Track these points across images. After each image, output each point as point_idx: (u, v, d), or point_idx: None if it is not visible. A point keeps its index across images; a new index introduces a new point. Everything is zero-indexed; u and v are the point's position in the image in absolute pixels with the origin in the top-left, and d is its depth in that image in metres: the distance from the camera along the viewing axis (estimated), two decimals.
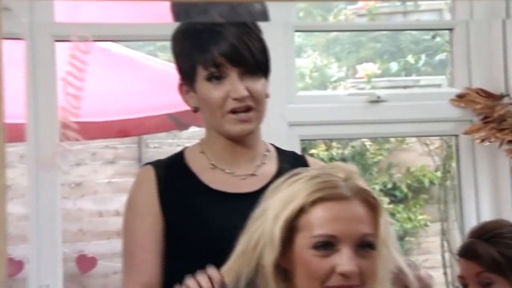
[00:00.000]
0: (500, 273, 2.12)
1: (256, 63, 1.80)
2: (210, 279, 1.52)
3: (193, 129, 4.77)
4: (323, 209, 1.43)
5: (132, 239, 1.81)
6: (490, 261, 2.12)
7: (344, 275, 1.40)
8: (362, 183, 1.48)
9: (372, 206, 1.46)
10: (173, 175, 1.84)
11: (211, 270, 1.53)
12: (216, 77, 1.79)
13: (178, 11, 1.97)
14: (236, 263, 1.48)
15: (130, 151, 5.37)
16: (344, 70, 6.11)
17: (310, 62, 6.18)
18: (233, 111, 1.79)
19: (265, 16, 1.97)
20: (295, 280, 1.45)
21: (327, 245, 1.42)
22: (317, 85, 5.99)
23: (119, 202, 5.05)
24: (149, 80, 4.21)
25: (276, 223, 1.44)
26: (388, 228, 1.49)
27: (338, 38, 6.18)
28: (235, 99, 1.78)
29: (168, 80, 4.03)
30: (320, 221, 1.42)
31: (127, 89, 3.95)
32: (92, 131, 3.86)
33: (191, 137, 4.73)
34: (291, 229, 1.44)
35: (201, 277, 1.53)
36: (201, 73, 1.80)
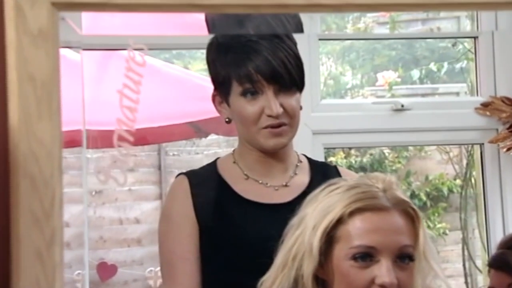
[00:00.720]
0: None
1: (291, 79, 1.80)
2: None
3: (211, 137, 4.75)
4: (362, 220, 1.43)
5: (169, 249, 1.80)
6: None
7: (383, 286, 1.39)
8: (401, 193, 1.48)
9: (411, 217, 1.46)
10: (206, 184, 1.84)
11: None
12: (251, 93, 1.79)
13: (213, 22, 1.95)
14: (277, 273, 1.47)
15: (150, 158, 5.37)
16: (359, 77, 6.09)
17: (324, 69, 6.16)
18: (267, 127, 1.79)
19: (299, 27, 1.95)
20: None
21: (366, 256, 1.42)
22: (332, 93, 5.97)
23: (139, 210, 5.05)
24: (169, 87, 4.20)
25: (315, 234, 1.43)
26: (427, 239, 1.48)
27: (353, 45, 6.17)
28: (270, 116, 1.77)
29: (188, 87, 4.04)
30: (359, 232, 1.42)
31: (148, 96, 3.93)
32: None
33: (209, 144, 4.72)
34: (329, 240, 1.44)
35: None
36: (236, 88, 1.80)
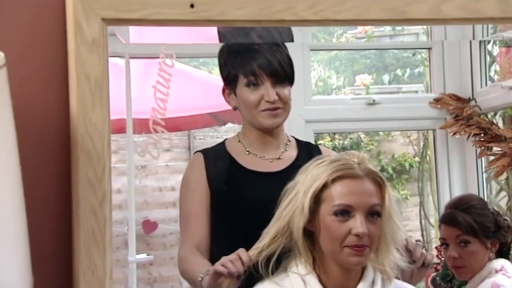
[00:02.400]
0: (474, 235, 2.10)
1: (285, 74, 1.79)
2: (240, 260, 1.45)
3: (228, 125, 4.74)
4: (342, 185, 1.42)
5: (187, 208, 1.79)
6: (468, 226, 2.11)
7: (357, 235, 1.39)
8: (371, 166, 1.46)
9: (379, 184, 1.44)
10: (217, 159, 1.83)
11: (241, 252, 1.46)
12: (253, 84, 1.78)
13: (224, 33, 1.94)
14: (275, 225, 1.46)
15: (182, 141, 5.35)
16: (342, 80, 6.06)
17: (315, 74, 6.13)
18: (266, 110, 1.78)
19: (291, 37, 1.94)
20: (319, 240, 1.44)
21: (344, 212, 1.40)
22: (322, 92, 5.94)
23: (174, 180, 5.05)
24: (196, 87, 4.19)
25: (306, 196, 1.42)
26: (392, 201, 1.46)
27: (337, 55, 6.13)
28: (268, 101, 1.77)
29: (211, 87, 4.03)
30: (339, 194, 1.41)
31: (180, 93, 3.92)
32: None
33: (227, 131, 4.70)
34: (317, 200, 1.43)
35: (230, 262, 1.46)
36: (242, 80, 1.79)
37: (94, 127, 1.12)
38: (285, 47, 1.83)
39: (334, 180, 1.41)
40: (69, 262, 1.16)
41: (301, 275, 1.44)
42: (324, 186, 1.42)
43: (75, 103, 1.11)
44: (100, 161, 1.12)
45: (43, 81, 1.14)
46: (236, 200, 1.77)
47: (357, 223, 1.39)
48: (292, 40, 1.98)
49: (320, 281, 1.43)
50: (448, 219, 2.17)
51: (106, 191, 1.13)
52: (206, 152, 1.84)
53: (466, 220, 2.11)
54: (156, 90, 1.37)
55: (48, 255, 1.16)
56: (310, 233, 1.45)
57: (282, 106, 1.79)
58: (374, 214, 1.41)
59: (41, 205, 1.14)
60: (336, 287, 1.44)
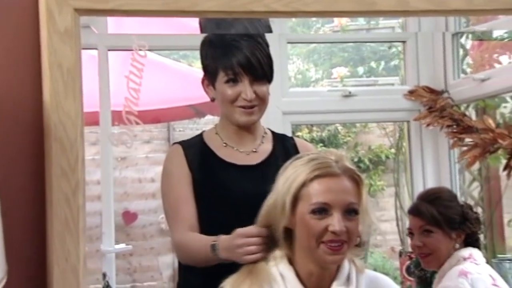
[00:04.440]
0: (437, 226, 2.13)
1: (263, 72, 1.79)
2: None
3: (208, 117, 4.74)
4: (319, 183, 1.42)
5: (174, 196, 1.78)
6: (430, 217, 2.15)
7: (334, 233, 1.40)
8: (349, 164, 1.46)
9: (357, 181, 1.45)
10: (196, 151, 1.83)
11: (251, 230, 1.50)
12: (232, 80, 1.78)
13: (205, 24, 1.93)
14: (264, 220, 1.48)
15: (162, 133, 5.34)
16: (320, 73, 6.08)
17: (294, 67, 6.14)
18: (242, 107, 1.78)
19: (270, 29, 1.94)
20: (297, 237, 1.45)
21: (322, 210, 1.41)
22: (300, 84, 5.95)
23: (154, 171, 5.04)
24: (176, 79, 4.17)
25: (287, 196, 1.43)
26: (368, 198, 1.47)
27: (315, 49, 6.15)
28: (245, 99, 1.77)
29: (190, 79, 4.02)
30: (317, 193, 1.41)
31: (160, 86, 3.91)
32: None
33: (207, 123, 4.70)
34: (295, 198, 1.43)
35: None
36: (222, 76, 1.79)
37: (67, 116, 1.11)
38: (267, 45, 1.83)
39: (312, 179, 1.42)
40: (43, 250, 1.16)
41: (279, 270, 1.45)
42: (303, 185, 1.42)
43: (48, 92, 1.10)
44: (73, 150, 1.11)
45: (16, 70, 1.13)
46: (216, 190, 1.77)
47: (335, 221, 1.39)
48: (270, 31, 1.98)
49: (298, 276, 1.44)
50: (414, 210, 2.22)
51: (80, 180, 1.13)
52: (184, 144, 1.85)
53: (429, 211, 2.15)
54: (129, 80, 1.37)
55: (22, 244, 1.15)
56: (288, 230, 1.46)
57: (258, 104, 1.79)
58: (351, 211, 1.42)
59: (14, 194, 1.14)
60: (313, 284, 1.45)
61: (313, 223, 1.40)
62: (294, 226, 1.44)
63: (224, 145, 1.84)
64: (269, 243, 1.48)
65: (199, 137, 1.87)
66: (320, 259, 1.41)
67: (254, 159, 1.82)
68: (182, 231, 1.72)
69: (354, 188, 1.43)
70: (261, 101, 1.79)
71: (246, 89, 1.76)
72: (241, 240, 1.48)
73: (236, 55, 1.76)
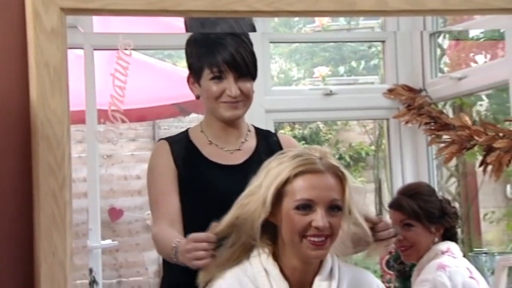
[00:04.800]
0: (417, 219, 2.15)
1: (247, 70, 1.79)
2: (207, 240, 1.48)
3: (192, 115, 4.73)
4: (303, 180, 1.41)
5: (157, 191, 1.77)
6: (411, 211, 2.16)
7: (317, 228, 1.39)
8: (333, 160, 1.45)
9: (340, 178, 1.43)
10: (181, 148, 1.82)
11: (209, 233, 1.49)
12: (217, 77, 1.78)
13: (190, 24, 1.92)
14: (236, 211, 1.46)
15: (147, 131, 5.33)
16: (302, 72, 6.10)
17: (277, 66, 6.15)
18: (226, 102, 1.78)
19: (254, 28, 1.94)
20: (282, 232, 1.44)
21: (306, 206, 1.40)
22: (283, 83, 5.96)
23: (139, 169, 5.03)
24: (161, 78, 4.17)
25: (269, 190, 1.42)
26: (352, 194, 1.46)
27: (297, 48, 6.16)
28: (229, 96, 1.77)
29: (175, 78, 4.02)
30: (301, 189, 1.41)
31: (145, 85, 3.90)
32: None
33: (191, 121, 4.69)
34: (279, 194, 1.42)
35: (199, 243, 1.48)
36: (207, 73, 1.78)
37: (54, 114, 1.11)
38: (251, 43, 1.83)
39: (296, 175, 1.41)
40: (30, 245, 1.15)
41: (263, 265, 1.45)
42: (287, 181, 1.41)
43: (34, 91, 1.10)
44: (60, 147, 1.11)
45: (3, 69, 1.13)
46: (200, 188, 1.77)
47: (318, 217, 1.39)
48: (254, 30, 1.98)
49: (282, 271, 1.44)
50: (394, 204, 2.23)
51: (66, 176, 1.12)
52: (170, 140, 1.84)
53: (410, 205, 2.17)
54: (114, 77, 1.37)
55: (10, 239, 1.15)
56: (273, 226, 1.45)
57: (243, 99, 1.79)
58: (334, 208, 1.41)
59: (2, 190, 1.13)
60: (296, 279, 1.45)
61: (297, 219, 1.40)
62: (278, 222, 1.44)
63: (209, 142, 1.83)
64: (218, 248, 1.46)
65: (185, 134, 1.87)
66: (304, 254, 1.41)
67: (238, 158, 1.81)
68: (159, 224, 1.71)
69: (337, 185, 1.42)
70: (246, 98, 1.79)
71: (231, 86, 1.76)
72: (190, 245, 1.47)
73: (221, 53, 1.76)
